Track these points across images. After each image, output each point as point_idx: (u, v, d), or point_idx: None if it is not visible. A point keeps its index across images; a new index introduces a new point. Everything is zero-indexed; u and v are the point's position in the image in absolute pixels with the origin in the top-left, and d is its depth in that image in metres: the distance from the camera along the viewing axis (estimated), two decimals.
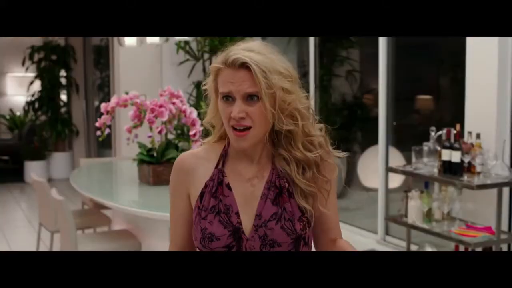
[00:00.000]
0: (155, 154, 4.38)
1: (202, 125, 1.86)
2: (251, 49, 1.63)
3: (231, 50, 1.64)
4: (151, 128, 4.33)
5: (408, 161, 4.60)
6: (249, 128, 1.62)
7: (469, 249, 3.77)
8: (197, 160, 1.74)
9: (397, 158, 5.29)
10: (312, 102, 1.74)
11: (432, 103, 5.80)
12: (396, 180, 5.36)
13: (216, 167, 1.71)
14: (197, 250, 1.71)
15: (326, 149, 1.70)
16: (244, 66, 1.60)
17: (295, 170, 1.67)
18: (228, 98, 1.62)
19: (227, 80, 1.62)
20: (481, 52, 4.05)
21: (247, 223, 1.66)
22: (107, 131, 4.45)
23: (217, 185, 1.69)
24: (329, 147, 1.72)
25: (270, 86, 1.59)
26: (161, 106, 4.29)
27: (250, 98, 1.61)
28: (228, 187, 1.69)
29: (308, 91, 1.84)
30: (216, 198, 1.68)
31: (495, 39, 3.94)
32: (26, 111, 9.85)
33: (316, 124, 1.71)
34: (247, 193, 1.69)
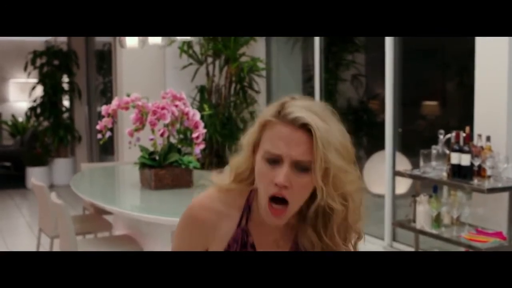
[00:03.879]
0: (157, 158, 4.30)
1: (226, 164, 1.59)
2: (313, 111, 1.41)
3: (288, 106, 1.41)
4: (153, 131, 4.25)
5: (415, 166, 4.51)
6: (285, 202, 1.42)
7: None
8: (218, 217, 1.53)
9: (403, 164, 5.21)
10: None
11: (438, 108, 5.73)
12: (402, 187, 5.27)
13: (239, 225, 1.53)
14: None
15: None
16: (304, 128, 1.38)
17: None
18: (273, 160, 1.41)
19: (279, 138, 1.40)
20: (491, 54, 3.98)
21: None
22: (108, 134, 4.37)
23: (241, 247, 1.53)
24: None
25: (327, 160, 1.38)
26: (163, 108, 4.20)
27: (300, 167, 1.40)
28: (253, 247, 1.53)
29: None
30: None
31: (505, 41, 3.86)
32: (28, 117, 9.82)
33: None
34: None
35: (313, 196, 1.45)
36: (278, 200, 1.43)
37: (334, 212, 1.45)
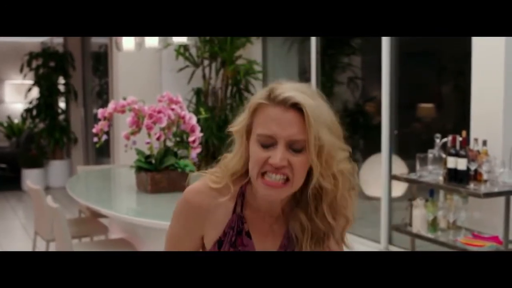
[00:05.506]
0: (153, 161, 4.29)
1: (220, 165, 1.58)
2: (302, 90, 1.42)
3: (277, 88, 1.43)
4: (149, 135, 4.24)
5: (411, 169, 4.51)
6: (286, 179, 1.42)
7: None
8: (212, 201, 1.53)
9: (399, 167, 5.21)
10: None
11: (434, 111, 5.73)
12: (398, 189, 5.27)
13: (234, 211, 1.54)
14: None
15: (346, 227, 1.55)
16: (295, 107, 1.40)
17: (307, 242, 1.51)
18: (267, 144, 1.41)
19: (271, 119, 1.40)
20: (487, 58, 3.98)
21: None
22: (104, 137, 4.36)
23: (237, 234, 1.53)
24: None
25: (320, 137, 1.39)
26: (159, 112, 4.20)
27: (294, 147, 1.40)
28: (248, 235, 1.54)
29: None
30: (235, 248, 1.54)
31: (501, 44, 3.87)
32: (24, 119, 9.79)
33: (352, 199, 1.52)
34: (267, 241, 1.55)
35: (306, 180, 1.46)
36: (276, 180, 1.42)
37: (324, 192, 1.46)
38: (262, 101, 1.43)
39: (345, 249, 1.61)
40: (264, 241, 1.55)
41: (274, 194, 1.45)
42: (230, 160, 1.52)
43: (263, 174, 1.43)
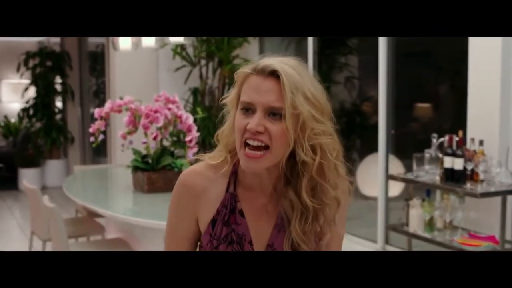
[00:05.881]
0: (150, 161, 4.28)
1: (212, 142, 1.63)
2: (286, 63, 1.46)
3: (262, 60, 1.48)
4: (146, 134, 4.24)
5: (408, 169, 4.52)
6: (265, 147, 1.45)
7: None
8: (207, 182, 1.56)
9: (396, 166, 5.21)
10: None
11: (431, 111, 5.73)
12: (395, 189, 5.28)
13: (227, 190, 1.55)
14: None
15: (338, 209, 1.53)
16: (274, 75, 1.44)
17: (296, 220, 1.51)
18: (248, 110, 1.45)
19: (251, 87, 1.45)
20: (484, 58, 3.98)
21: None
22: (101, 137, 4.36)
23: (230, 213, 1.54)
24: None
25: (296, 106, 1.41)
26: (156, 111, 4.19)
27: (273, 114, 1.43)
28: (241, 213, 1.55)
29: None
30: (229, 226, 1.54)
31: (498, 45, 3.87)
32: (20, 118, 9.76)
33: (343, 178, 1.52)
34: (261, 220, 1.56)
35: (294, 155, 1.48)
36: (253, 147, 1.45)
37: (306, 167, 1.47)
38: (247, 71, 1.48)
39: (336, 233, 1.58)
40: (259, 219, 1.56)
41: (254, 165, 1.46)
42: (223, 131, 1.56)
43: (245, 145, 1.46)
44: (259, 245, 1.55)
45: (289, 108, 1.41)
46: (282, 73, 1.42)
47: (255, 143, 1.44)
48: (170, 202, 1.62)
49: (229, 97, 1.52)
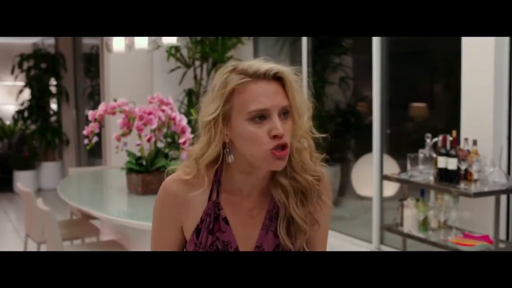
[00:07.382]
0: (144, 163, 4.28)
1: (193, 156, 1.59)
2: (275, 63, 1.50)
3: (247, 66, 1.49)
4: (140, 136, 4.23)
5: (403, 169, 4.52)
6: (285, 146, 1.47)
7: None
8: (190, 190, 1.54)
9: (391, 166, 5.22)
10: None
11: (426, 110, 5.73)
12: (390, 189, 5.28)
13: (210, 198, 1.56)
14: None
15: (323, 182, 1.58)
16: (274, 77, 1.47)
17: (294, 202, 1.53)
18: (261, 117, 1.45)
19: (258, 94, 1.45)
20: (477, 58, 3.99)
21: None
22: (95, 139, 4.34)
23: (214, 221, 1.55)
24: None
25: (297, 100, 1.49)
26: (150, 113, 4.19)
27: (284, 113, 1.47)
28: (226, 221, 1.55)
29: None
30: (213, 235, 1.54)
31: (491, 44, 3.88)
32: (15, 120, 9.74)
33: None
34: (247, 225, 1.56)
35: None
36: (282, 149, 1.47)
37: (298, 152, 1.53)
38: (241, 81, 1.46)
39: (323, 214, 1.60)
40: (245, 225, 1.56)
41: (284, 163, 1.48)
42: (202, 150, 1.53)
43: (274, 149, 1.47)
44: (246, 249, 1.55)
45: (295, 104, 1.47)
46: (285, 73, 1.48)
47: (282, 145, 1.47)
48: (153, 210, 1.61)
49: (214, 114, 1.49)
